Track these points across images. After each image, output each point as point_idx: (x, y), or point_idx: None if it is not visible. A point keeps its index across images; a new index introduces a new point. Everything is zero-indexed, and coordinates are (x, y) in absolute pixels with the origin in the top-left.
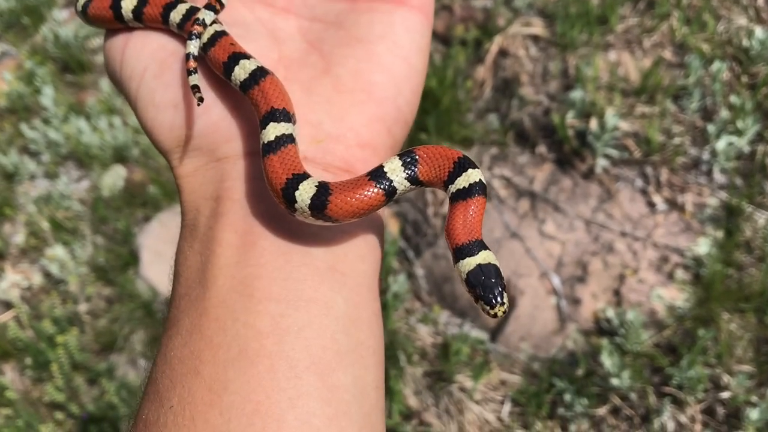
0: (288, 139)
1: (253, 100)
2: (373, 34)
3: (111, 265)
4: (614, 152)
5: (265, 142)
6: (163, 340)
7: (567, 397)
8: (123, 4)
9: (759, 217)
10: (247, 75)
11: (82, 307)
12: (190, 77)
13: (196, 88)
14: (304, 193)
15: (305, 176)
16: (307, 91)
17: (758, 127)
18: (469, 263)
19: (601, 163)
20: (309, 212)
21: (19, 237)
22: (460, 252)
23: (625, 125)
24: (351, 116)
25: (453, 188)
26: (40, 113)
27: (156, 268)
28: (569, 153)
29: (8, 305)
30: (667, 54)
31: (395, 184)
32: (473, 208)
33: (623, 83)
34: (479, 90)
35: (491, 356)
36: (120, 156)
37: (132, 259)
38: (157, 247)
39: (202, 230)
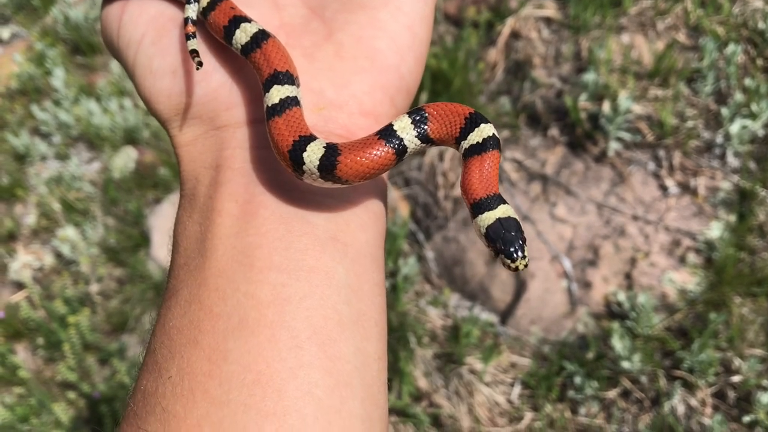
0: (293, 102)
1: (255, 63)
2: (377, 0)
3: (122, 246)
4: (627, 135)
5: (270, 105)
6: (162, 310)
7: (577, 379)
8: None
9: None
10: (249, 38)
11: (94, 288)
12: (188, 42)
13: (194, 53)
14: (313, 154)
15: (312, 138)
16: (309, 58)
17: None
18: (489, 217)
19: (614, 146)
20: (318, 174)
21: (30, 218)
22: (479, 207)
23: (638, 108)
24: (353, 84)
25: (466, 144)
26: (50, 95)
27: (167, 250)
28: (581, 136)
29: (20, 285)
30: (681, 36)
31: (406, 142)
32: (489, 163)
33: (636, 66)
34: (491, 72)
35: (501, 339)
36: (130, 138)
37: (143, 241)
38: (167, 229)
39: (201, 200)
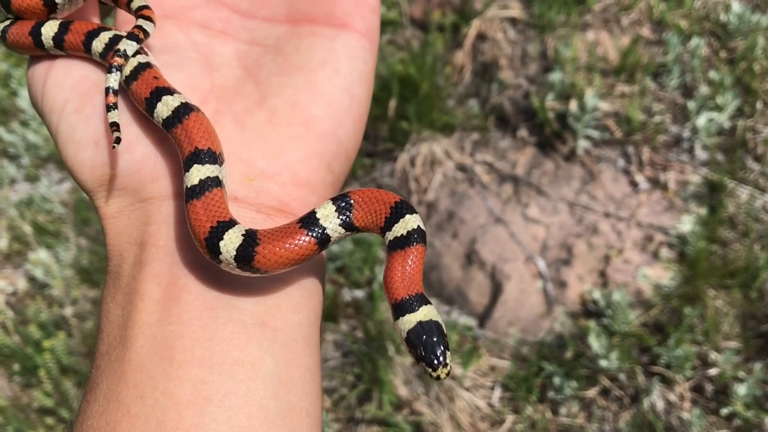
0: (213, 183)
1: (176, 139)
2: (313, 62)
3: (96, 267)
4: (595, 133)
5: (189, 186)
6: (82, 404)
7: (556, 380)
8: (43, 30)
9: (741, 192)
10: (170, 112)
11: (69, 311)
12: (109, 113)
13: (114, 126)
14: (230, 243)
15: (231, 224)
16: (239, 125)
17: (738, 102)
18: (410, 320)
19: (583, 144)
20: (234, 264)
21: (1, 242)
22: (400, 308)
23: (605, 105)
24: (287, 152)
25: (390, 236)
26: (17, 116)
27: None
28: (550, 136)
29: None
30: (646, 31)
31: (329, 231)
32: (412, 258)
33: (602, 63)
34: (458, 75)
35: (480, 342)
36: None
37: None
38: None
39: (125, 280)
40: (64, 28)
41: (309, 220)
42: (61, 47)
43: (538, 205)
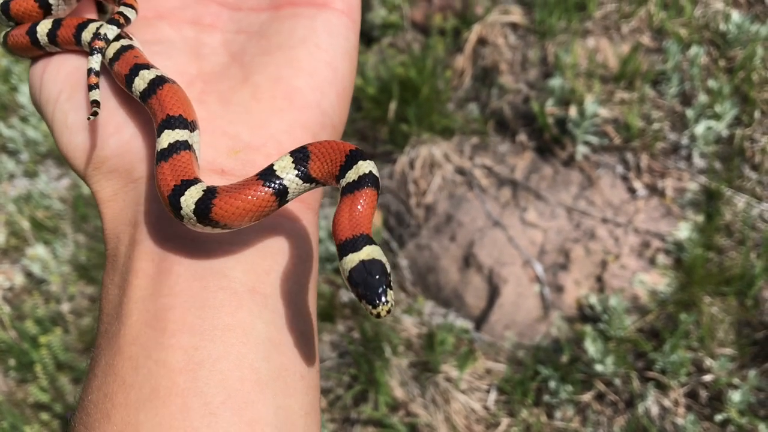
0: (182, 146)
1: (151, 109)
2: (294, 39)
3: (93, 264)
4: (594, 139)
5: (159, 149)
6: (85, 383)
7: (552, 384)
8: (38, 28)
9: (738, 200)
10: (146, 84)
11: (65, 307)
12: (91, 92)
13: (95, 103)
14: (190, 198)
15: (195, 182)
16: (224, 102)
17: (736, 110)
18: (352, 260)
19: (582, 150)
20: (195, 219)
21: None
22: (344, 248)
23: (604, 112)
24: (271, 124)
25: (344, 182)
26: (17, 111)
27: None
28: (549, 141)
29: None
30: (646, 39)
31: (286, 182)
32: (362, 201)
33: (602, 70)
34: (459, 79)
35: (476, 345)
36: None
37: None
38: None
39: (121, 260)
40: (56, 24)
41: (266, 173)
42: (54, 42)
43: (537, 209)
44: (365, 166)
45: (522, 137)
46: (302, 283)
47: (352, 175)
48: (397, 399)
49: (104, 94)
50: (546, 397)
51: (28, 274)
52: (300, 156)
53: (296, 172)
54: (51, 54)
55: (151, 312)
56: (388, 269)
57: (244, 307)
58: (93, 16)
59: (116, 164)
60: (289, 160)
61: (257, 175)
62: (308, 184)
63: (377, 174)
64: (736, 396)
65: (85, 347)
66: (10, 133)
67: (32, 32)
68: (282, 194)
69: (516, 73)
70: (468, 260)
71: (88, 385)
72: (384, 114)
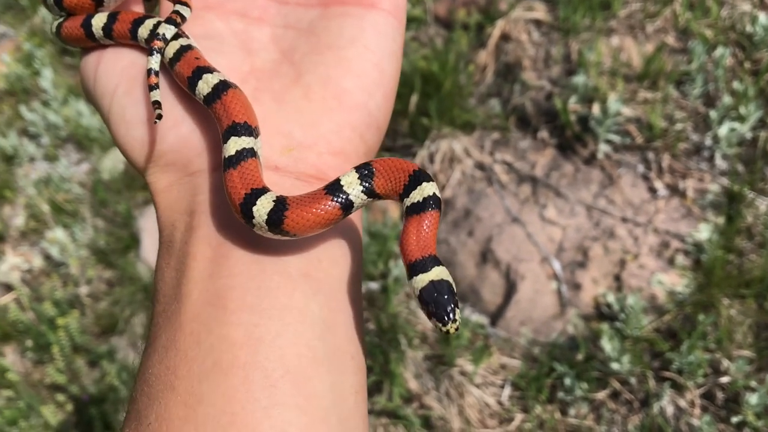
0: (249, 153)
1: (215, 114)
2: (343, 39)
3: (111, 248)
4: (616, 138)
5: (226, 156)
6: (143, 358)
7: (567, 381)
8: (93, 22)
9: (760, 203)
10: (210, 89)
11: (83, 290)
12: (151, 93)
13: (156, 105)
14: (262, 208)
15: (264, 191)
16: (277, 101)
17: (760, 113)
18: (423, 279)
19: (603, 148)
20: (266, 227)
21: (19, 219)
22: (414, 268)
23: (627, 111)
24: (322, 124)
25: (408, 202)
26: (39, 95)
27: (157, 251)
28: (571, 138)
29: (9, 287)
30: (670, 39)
31: (352, 197)
32: (427, 223)
33: (626, 68)
34: (481, 75)
35: (491, 340)
36: None
37: (133, 243)
38: (157, 231)
39: (177, 246)
40: (112, 18)
41: (334, 187)
42: (110, 36)
43: (556, 206)
44: (429, 188)
45: (543, 134)
46: (350, 270)
47: (416, 196)
48: (412, 391)
49: (162, 89)
50: (560, 394)
51: (47, 257)
52: (365, 172)
53: (361, 188)
54: (104, 46)
55: (211, 292)
56: (455, 289)
57: (299, 290)
58: (140, 9)
59: (174, 158)
60: (354, 176)
61: (324, 189)
62: (371, 199)
63: (439, 195)
64: (753, 399)
65: (101, 331)
66: (32, 117)
67: (87, 25)
68: (348, 208)
69: (539, 69)
70: (485, 256)
71: (147, 359)
72: (405, 107)
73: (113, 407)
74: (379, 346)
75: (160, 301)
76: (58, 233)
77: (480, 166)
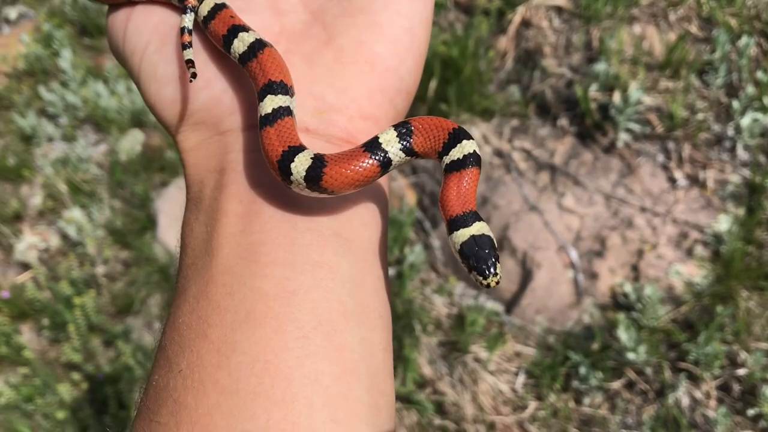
0: (285, 112)
1: (251, 72)
2: (376, 4)
3: (128, 229)
4: (636, 127)
5: (262, 114)
6: (172, 309)
7: (582, 370)
8: None
9: None
10: (246, 47)
11: (100, 270)
12: (185, 51)
13: (190, 63)
14: (300, 165)
15: (301, 148)
16: (309, 63)
17: None
18: (463, 234)
19: (623, 137)
20: (304, 184)
21: (36, 199)
22: (454, 223)
23: (648, 99)
24: (353, 87)
25: (447, 159)
26: (58, 76)
27: (173, 233)
28: (591, 126)
29: (26, 266)
30: (693, 28)
31: (390, 155)
32: (467, 180)
33: (647, 57)
34: (501, 61)
35: (506, 328)
36: (138, 120)
37: (149, 224)
38: (174, 212)
39: (206, 202)
40: None
41: (372, 145)
42: None
43: (574, 195)
44: (469, 146)
45: (563, 122)
46: (378, 230)
47: (456, 154)
48: (425, 376)
49: (195, 48)
50: (575, 383)
51: (64, 237)
52: (403, 131)
53: (400, 145)
54: (133, 3)
55: (243, 246)
56: (496, 244)
57: (330, 248)
58: None
59: (204, 117)
60: (393, 134)
61: (363, 146)
62: (409, 157)
63: (479, 153)
64: None
65: (117, 311)
66: (50, 97)
67: None
68: (386, 165)
69: (559, 56)
70: (502, 243)
71: (177, 309)
72: (424, 92)
73: (128, 386)
74: (394, 332)
75: (189, 254)
76: (75, 213)
77: (498, 153)
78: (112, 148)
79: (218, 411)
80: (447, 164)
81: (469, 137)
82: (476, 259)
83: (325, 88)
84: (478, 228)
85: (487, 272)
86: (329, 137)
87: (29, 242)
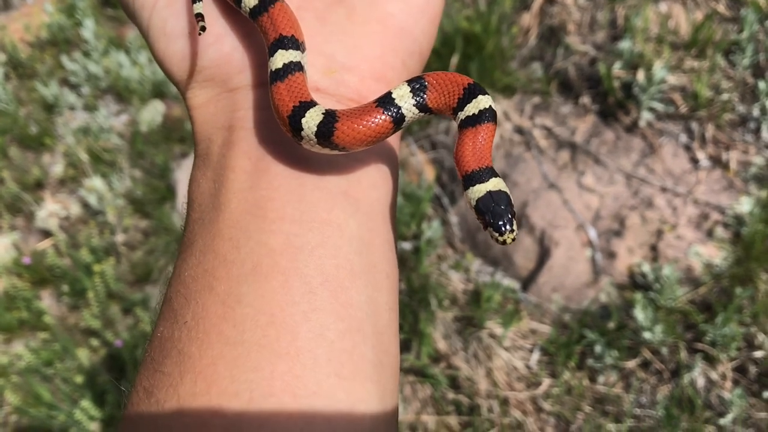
0: (296, 67)
1: (262, 27)
2: None
3: (148, 199)
4: (660, 106)
5: (273, 69)
6: (177, 262)
7: (597, 348)
8: None
9: None
10: (257, 1)
11: (119, 238)
12: (194, 5)
13: (199, 17)
14: (311, 120)
15: (312, 104)
16: (320, 20)
17: None
18: (480, 190)
19: (646, 116)
20: (315, 140)
21: (58, 167)
22: (470, 179)
23: (672, 79)
24: (365, 47)
25: (462, 115)
26: (80, 46)
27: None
28: (613, 105)
29: (47, 233)
30: (721, 7)
31: (403, 111)
32: (483, 135)
33: (673, 36)
34: (524, 37)
35: (522, 305)
36: (159, 91)
37: (169, 194)
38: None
39: (215, 158)
40: None
41: (385, 101)
42: None
43: (595, 174)
44: (485, 101)
45: (585, 100)
46: (387, 193)
47: (471, 109)
48: (440, 351)
49: (204, 3)
50: (590, 361)
51: (85, 205)
52: (417, 86)
53: (413, 101)
54: None
55: (251, 202)
56: (512, 200)
57: (338, 206)
58: None
59: (213, 74)
60: (406, 89)
61: (375, 102)
62: (423, 114)
63: (495, 108)
64: None
65: (136, 279)
66: (73, 67)
67: None
68: (399, 121)
69: (583, 34)
70: (520, 221)
71: (183, 263)
72: (445, 67)
73: (142, 353)
74: (409, 306)
75: (196, 209)
76: (96, 182)
77: (519, 130)
78: (133, 118)
79: (222, 361)
80: (462, 120)
81: (484, 92)
82: (492, 215)
83: (337, 46)
84: (494, 184)
85: (503, 228)
86: (339, 97)
87: (50, 210)
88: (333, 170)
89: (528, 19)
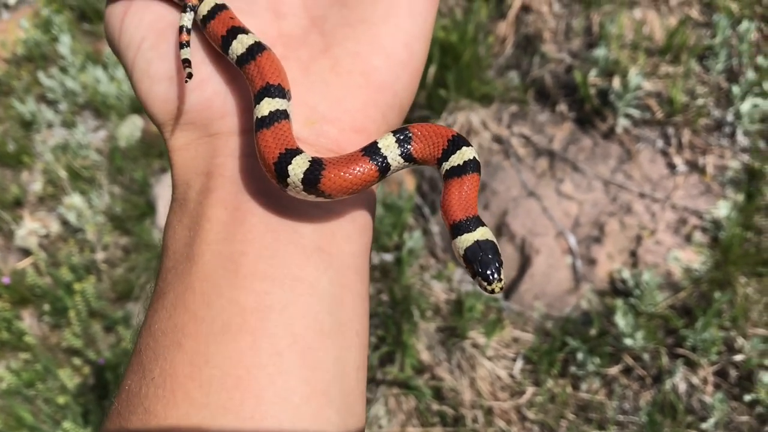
0: (282, 115)
1: (248, 75)
2: (376, 16)
3: (128, 215)
4: (636, 112)
5: (259, 116)
6: (149, 312)
7: (579, 355)
8: None
9: None
10: (245, 49)
11: (99, 256)
12: (182, 50)
13: (186, 63)
14: (297, 167)
15: (298, 151)
16: (304, 71)
17: None
18: (467, 239)
19: (622, 122)
20: (301, 187)
21: (36, 185)
22: (458, 228)
23: (648, 85)
24: (347, 99)
25: (447, 165)
26: (57, 62)
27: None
28: (590, 112)
29: (26, 252)
30: (694, 13)
31: (389, 160)
32: (468, 185)
33: (648, 42)
34: (500, 46)
35: (504, 314)
36: (137, 107)
37: (149, 209)
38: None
39: (191, 205)
40: None
41: (371, 150)
42: None
43: (573, 181)
44: (469, 152)
45: (562, 107)
46: (361, 248)
47: (456, 160)
48: (423, 362)
49: (190, 47)
50: (572, 369)
51: (64, 223)
52: (402, 137)
53: (399, 151)
54: None
55: (225, 255)
56: (499, 249)
57: (312, 263)
58: None
59: (194, 118)
60: (392, 139)
61: (362, 151)
62: (408, 163)
63: (479, 159)
64: (766, 377)
65: (117, 296)
66: (50, 83)
67: None
68: (384, 170)
69: (559, 42)
70: (500, 229)
71: (154, 314)
72: (423, 78)
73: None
74: (392, 317)
75: (170, 257)
76: (75, 199)
77: (497, 139)
78: (112, 134)
79: (187, 423)
80: (447, 170)
81: (468, 144)
82: (480, 265)
83: (319, 98)
84: (482, 233)
85: (491, 277)
86: (319, 148)
87: (29, 228)
88: (308, 222)
89: (504, 27)
